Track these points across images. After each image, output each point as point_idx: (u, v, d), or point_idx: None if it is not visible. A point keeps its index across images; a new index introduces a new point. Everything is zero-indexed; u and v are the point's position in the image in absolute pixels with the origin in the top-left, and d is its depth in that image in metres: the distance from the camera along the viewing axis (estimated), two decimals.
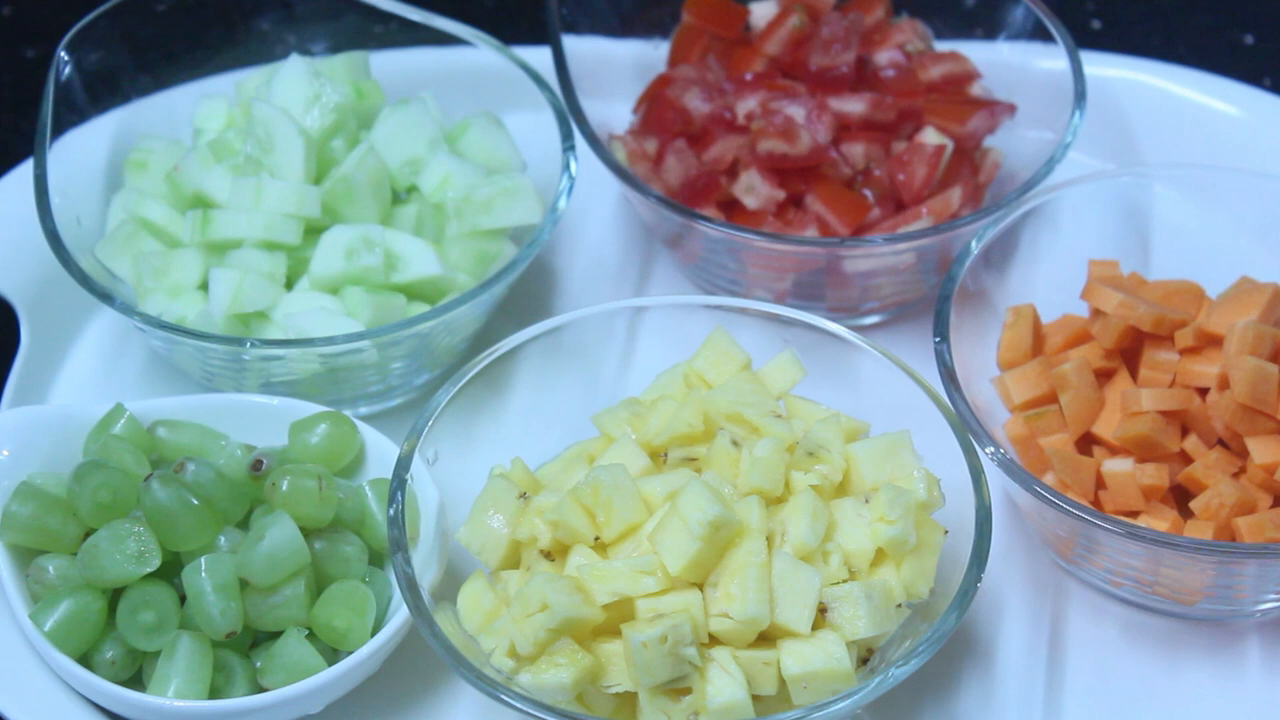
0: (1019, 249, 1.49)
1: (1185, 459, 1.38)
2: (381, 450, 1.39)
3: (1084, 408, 1.39)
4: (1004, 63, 1.64)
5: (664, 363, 1.40)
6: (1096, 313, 1.44)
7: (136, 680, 1.29)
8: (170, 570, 1.29)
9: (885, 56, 1.61)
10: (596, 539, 1.25)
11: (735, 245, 1.52)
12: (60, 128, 1.51)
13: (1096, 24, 1.97)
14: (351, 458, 1.39)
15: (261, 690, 1.28)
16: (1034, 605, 1.40)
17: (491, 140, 1.56)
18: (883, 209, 1.55)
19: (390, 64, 1.64)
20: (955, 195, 1.54)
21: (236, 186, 1.47)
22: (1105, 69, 1.71)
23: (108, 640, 1.28)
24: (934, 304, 1.41)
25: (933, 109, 1.57)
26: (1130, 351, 1.43)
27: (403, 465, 1.29)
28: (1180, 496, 1.38)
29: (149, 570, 1.27)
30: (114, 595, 1.29)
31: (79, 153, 1.53)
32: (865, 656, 1.26)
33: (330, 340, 1.40)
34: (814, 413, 1.35)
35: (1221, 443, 1.38)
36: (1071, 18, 1.81)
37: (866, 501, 1.27)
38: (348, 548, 1.32)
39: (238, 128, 1.54)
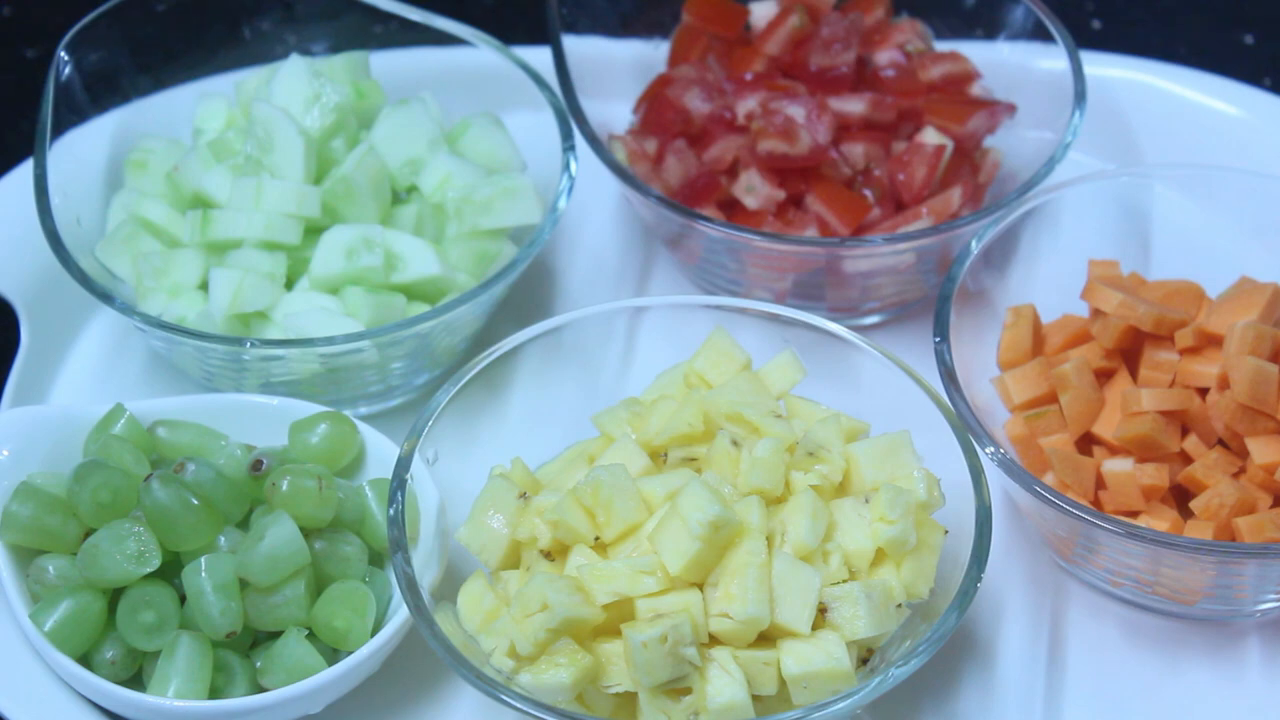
0: (1019, 249, 1.49)
1: (1185, 459, 1.38)
2: (381, 450, 1.39)
3: (1084, 408, 1.39)
4: (1004, 63, 1.64)
5: (664, 363, 1.40)
6: (1096, 313, 1.44)
7: (136, 680, 1.29)
8: (170, 570, 1.29)
9: (885, 56, 1.61)
10: (596, 539, 1.25)
11: (735, 245, 1.52)
12: (60, 128, 1.51)
13: (1096, 24, 1.97)
14: (351, 458, 1.39)
15: (261, 690, 1.28)
16: (1034, 605, 1.40)
17: (491, 140, 1.56)
18: (883, 209, 1.54)
19: (390, 64, 1.64)
20: (955, 195, 1.54)
21: (236, 186, 1.47)
22: (1105, 69, 1.71)
23: (108, 640, 1.28)
24: (934, 304, 1.41)
25: (933, 109, 1.57)
26: (1130, 351, 1.43)
27: (403, 465, 1.29)
28: (1180, 496, 1.38)
29: (149, 570, 1.27)
30: (114, 595, 1.29)
31: (79, 153, 1.53)
32: (865, 656, 1.26)
33: (330, 340, 1.40)
34: (814, 413, 1.35)
35: (1221, 443, 1.38)
36: (1071, 18, 1.81)
37: (866, 501, 1.27)
38: (348, 548, 1.32)
39: (238, 128, 1.54)
